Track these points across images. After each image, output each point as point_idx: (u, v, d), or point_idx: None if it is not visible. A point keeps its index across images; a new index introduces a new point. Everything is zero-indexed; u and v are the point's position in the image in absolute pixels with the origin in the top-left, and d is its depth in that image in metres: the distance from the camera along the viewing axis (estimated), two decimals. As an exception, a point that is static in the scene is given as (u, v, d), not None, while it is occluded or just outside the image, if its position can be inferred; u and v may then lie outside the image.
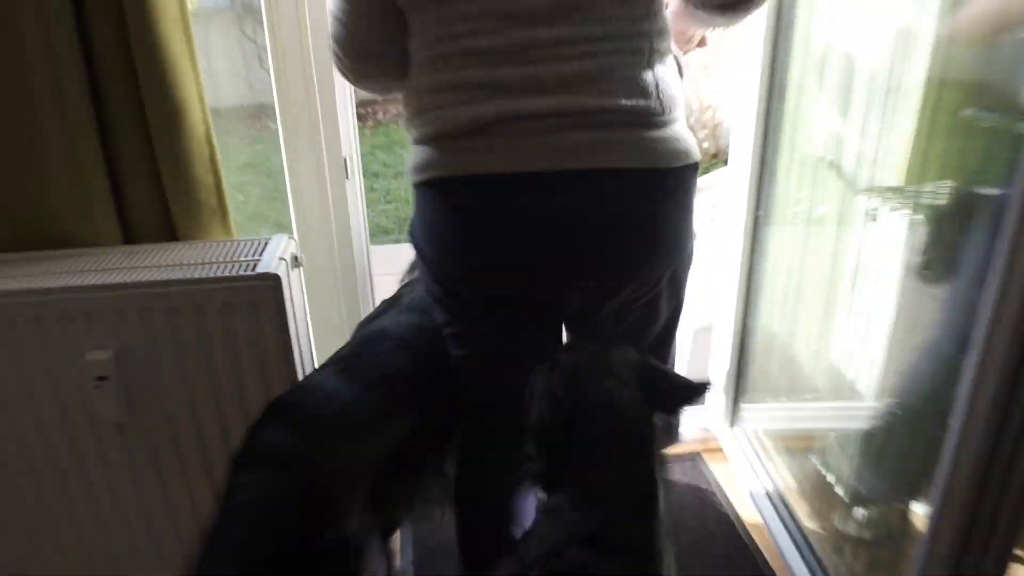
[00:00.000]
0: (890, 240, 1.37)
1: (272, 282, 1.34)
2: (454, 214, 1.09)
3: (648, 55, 1.05)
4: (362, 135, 6.96)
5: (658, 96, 1.04)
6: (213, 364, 1.40)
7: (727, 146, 5.30)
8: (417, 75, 1.11)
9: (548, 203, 1.03)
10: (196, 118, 1.46)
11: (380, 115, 6.98)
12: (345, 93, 1.71)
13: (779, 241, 1.80)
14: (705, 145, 5.26)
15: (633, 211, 1.04)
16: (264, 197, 4.22)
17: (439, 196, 1.09)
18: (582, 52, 1.01)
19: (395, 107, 7.19)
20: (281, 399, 1.11)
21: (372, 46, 1.12)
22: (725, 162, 5.04)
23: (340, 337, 1.79)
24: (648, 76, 1.04)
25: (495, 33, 1.02)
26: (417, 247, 1.19)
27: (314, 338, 1.82)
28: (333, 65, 1.20)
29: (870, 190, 1.41)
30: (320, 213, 1.73)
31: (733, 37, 1.51)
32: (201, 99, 1.46)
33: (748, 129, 1.80)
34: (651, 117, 1.04)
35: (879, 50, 1.34)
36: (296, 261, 1.48)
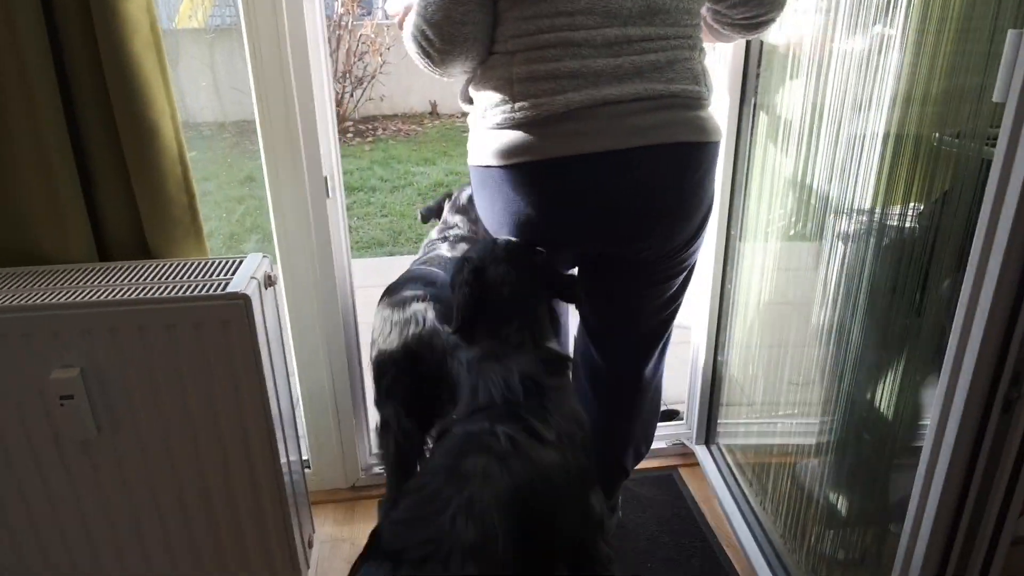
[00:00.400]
0: (860, 261, 1.31)
1: (242, 302, 1.30)
2: (549, 192, 1.21)
3: (699, 51, 1.24)
4: (360, 151, 7.11)
5: (705, 83, 1.24)
6: (183, 383, 1.35)
7: None
8: (507, 64, 1.20)
9: (633, 173, 1.19)
10: (168, 137, 1.41)
11: (380, 131, 6.97)
12: (326, 112, 1.66)
13: (753, 258, 1.75)
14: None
15: (694, 173, 1.23)
16: (262, 210, 4.18)
17: (531, 177, 1.21)
18: (657, 47, 1.18)
19: (394, 124, 7.18)
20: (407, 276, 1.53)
21: (467, 31, 1.18)
22: None
23: (320, 350, 1.80)
24: (699, 67, 1.24)
25: (592, 29, 1.16)
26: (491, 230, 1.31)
27: (295, 351, 1.80)
28: (413, 49, 1.23)
29: (840, 211, 1.35)
30: (301, 231, 1.69)
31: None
32: (174, 118, 1.42)
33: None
34: (701, 100, 1.23)
35: (849, 69, 1.30)
36: (269, 280, 1.44)
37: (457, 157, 6.15)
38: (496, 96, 1.23)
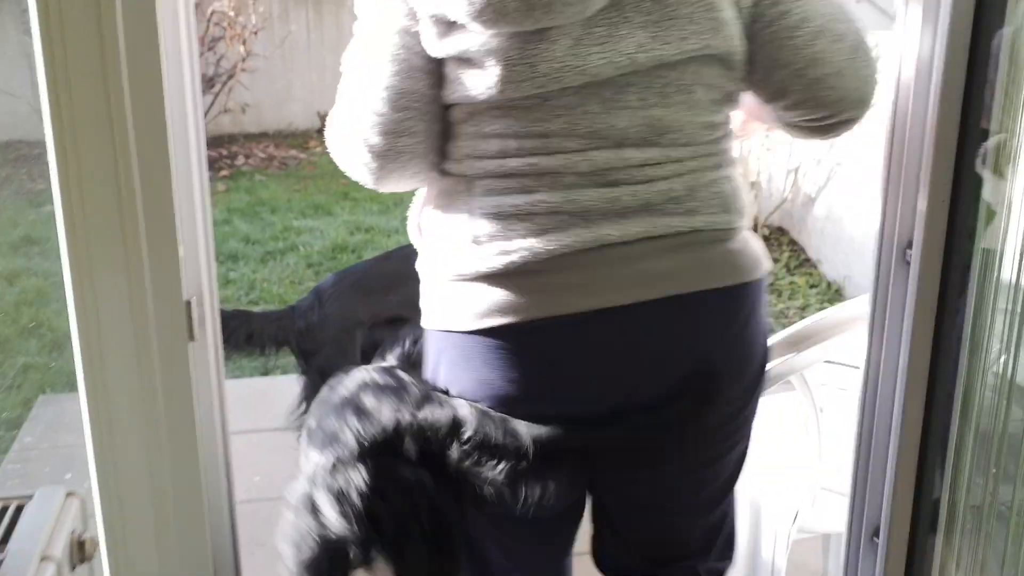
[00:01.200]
0: None
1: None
2: (531, 367, 1.36)
3: (727, 167, 1.42)
4: (211, 191, 6.89)
5: (736, 208, 1.41)
6: None
7: (765, 215, 5.30)
8: (465, 192, 1.39)
9: (648, 336, 1.35)
10: None
11: (242, 160, 7.02)
12: (191, 159, 1.55)
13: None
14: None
15: (731, 325, 1.39)
16: (49, 305, 3.97)
17: (509, 346, 1.35)
18: (669, 172, 1.35)
19: (261, 148, 7.24)
20: None
21: (401, 144, 1.36)
22: (767, 237, 4.99)
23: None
24: (727, 187, 1.40)
25: (574, 152, 1.33)
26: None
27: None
28: (333, 151, 1.45)
29: None
30: (138, 410, 1.53)
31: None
32: None
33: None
34: (732, 231, 1.40)
35: None
36: (80, 551, 1.29)
37: (364, 202, 6.15)
38: (455, 236, 1.38)
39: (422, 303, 1.48)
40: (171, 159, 1.46)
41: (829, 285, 4.67)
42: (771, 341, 1.87)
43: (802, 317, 4.33)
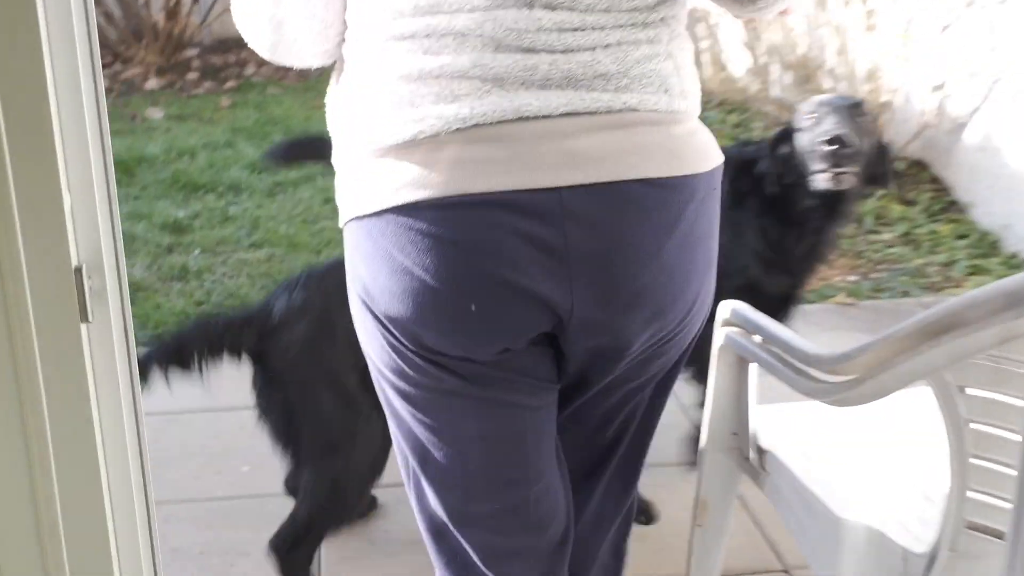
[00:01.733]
0: None
1: None
2: (446, 253, 1.47)
3: (667, 42, 1.53)
4: (212, 108, 6.97)
5: (681, 90, 1.54)
6: None
7: (900, 145, 5.14)
8: (366, 62, 1.52)
9: (575, 226, 1.46)
10: None
11: (250, 71, 7.13)
12: (78, 67, 1.42)
13: None
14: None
15: (675, 225, 1.51)
16: None
17: (421, 227, 1.46)
18: (592, 42, 1.47)
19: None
20: None
21: (299, 16, 1.52)
22: (902, 172, 4.75)
23: None
24: (667, 66, 1.52)
25: (478, 11, 1.45)
26: (369, 309, 1.59)
27: None
28: (236, 19, 1.62)
29: None
30: (14, 415, 1.43)
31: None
32: None
33: None
34: (675, 114, 1.53)
35: None
36: None
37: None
38: (361, 110, 1.51)
39: (336, 198, 1.58)
40: (47, 68, 1.29)
41: (983, 236, 4.48)
42: (902, 327, 1.70)
43: (946, 276, 4.16)
